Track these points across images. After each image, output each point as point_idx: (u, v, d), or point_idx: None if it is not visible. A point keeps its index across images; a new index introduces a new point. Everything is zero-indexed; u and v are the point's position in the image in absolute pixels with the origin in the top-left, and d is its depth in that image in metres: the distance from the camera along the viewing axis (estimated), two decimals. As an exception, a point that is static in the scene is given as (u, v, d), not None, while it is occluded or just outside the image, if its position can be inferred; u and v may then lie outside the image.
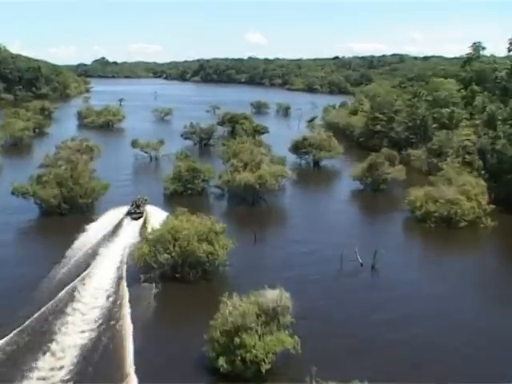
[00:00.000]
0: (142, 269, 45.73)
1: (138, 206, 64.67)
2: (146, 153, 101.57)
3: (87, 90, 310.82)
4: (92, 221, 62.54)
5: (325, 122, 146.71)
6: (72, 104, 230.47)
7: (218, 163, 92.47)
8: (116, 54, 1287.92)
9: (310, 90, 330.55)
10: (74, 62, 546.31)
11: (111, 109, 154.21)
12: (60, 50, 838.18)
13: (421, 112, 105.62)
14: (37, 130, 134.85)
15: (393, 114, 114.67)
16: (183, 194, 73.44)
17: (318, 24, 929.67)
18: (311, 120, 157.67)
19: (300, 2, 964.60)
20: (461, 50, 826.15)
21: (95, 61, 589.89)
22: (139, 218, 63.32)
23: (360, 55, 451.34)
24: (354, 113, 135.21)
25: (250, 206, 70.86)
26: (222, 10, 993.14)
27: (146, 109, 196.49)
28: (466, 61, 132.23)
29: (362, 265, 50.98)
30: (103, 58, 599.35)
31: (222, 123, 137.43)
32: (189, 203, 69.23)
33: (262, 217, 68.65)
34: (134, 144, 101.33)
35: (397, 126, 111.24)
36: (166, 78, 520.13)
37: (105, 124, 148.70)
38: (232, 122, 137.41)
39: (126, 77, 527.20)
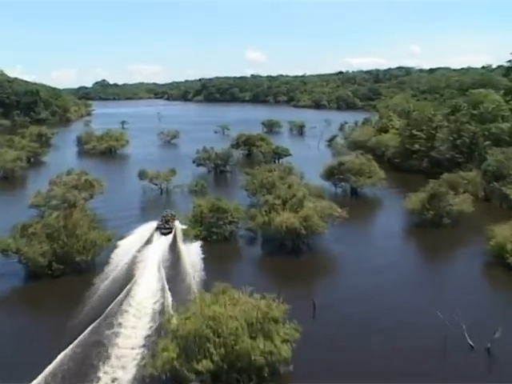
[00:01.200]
0: (168, 380, 30.39)
1: (167, 222, 62.97)
2: (156, 185, 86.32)
3: (88, 114, 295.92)
4: (93, 284, 47.62)
5: (349, 140, 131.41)
6: (72, 128, 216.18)
7: (238, 193, 78.79)
8: (116, 76, 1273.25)
9: (318, 106, 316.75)
10: (76, 86, 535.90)
11: (113, 133, 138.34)
12: (61, 74, 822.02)
13: (471, 128, 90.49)
14: (32, 160, 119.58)
15: (433, 131, 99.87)
16: (207, 240, 58.30)
17: (315, 40, 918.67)
18: (332, 139, 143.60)
19: (297, 19, 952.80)
20: (467, 60, 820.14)
21: (96, 83, 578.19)
22: (169, 233, 61.43)
23: (360, 69, 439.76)
24: (384, 130, 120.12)
25: (290, 252, 55.53)
26: (220, 29, 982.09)
27: (150, 131, 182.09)
28: (510, 69, 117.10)
29: (472, 347, 35.91)
30: (104, 81, 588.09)
31: (236, 146, 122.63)
32: (214, 251, 55.52)
33: (309, 267, 53.32)
34: (142, 175, 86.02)
35: (440, 144, 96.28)
36: (167, 99, 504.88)
37: (107, 150, 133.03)
38: (248, 145, 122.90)
39: (128, 98, 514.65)
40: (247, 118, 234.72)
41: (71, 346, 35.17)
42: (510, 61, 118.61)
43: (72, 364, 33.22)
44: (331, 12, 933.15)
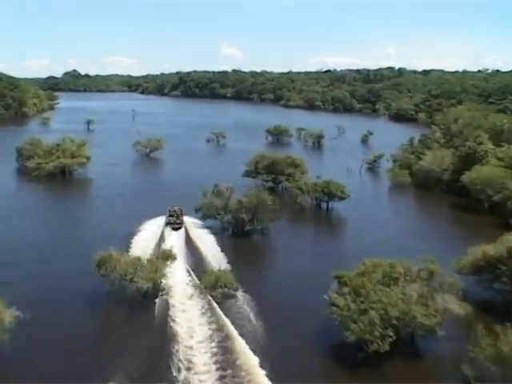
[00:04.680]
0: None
1: (177, 217, 58.39)
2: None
3: (51, 107, 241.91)
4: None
5: (415, 168, 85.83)
6: (27, 128, 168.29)
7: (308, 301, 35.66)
8: (90, 68, 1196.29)
9: (311, 107, 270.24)
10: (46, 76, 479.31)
11: (68, 145, 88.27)
12: (33, 64, 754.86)
13: None
14: None
15: None
16: None
17: (288, 38, 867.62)
18: (375, 160, 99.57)
19: (271, 14, 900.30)
20: (457, 64, 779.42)
21: (66, 73, 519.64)
22: (179, 228, 57.24)
23: (347, 68, 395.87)
24: (472, 158, 75.61)
25: None
26: (196, 24, 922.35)
27: (122, 135, 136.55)
28: None
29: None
30: (75, 71, 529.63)
31: (254, 173, 77.72)
32: None
33: None
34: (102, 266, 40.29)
35: None
36: (142, 93, 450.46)
37: (58, 170, 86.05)
38: (272, 173, 77.64)
39: (99, 90, 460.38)
40: (240, 120, 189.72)
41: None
42: None
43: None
44: (304, 10, 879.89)
